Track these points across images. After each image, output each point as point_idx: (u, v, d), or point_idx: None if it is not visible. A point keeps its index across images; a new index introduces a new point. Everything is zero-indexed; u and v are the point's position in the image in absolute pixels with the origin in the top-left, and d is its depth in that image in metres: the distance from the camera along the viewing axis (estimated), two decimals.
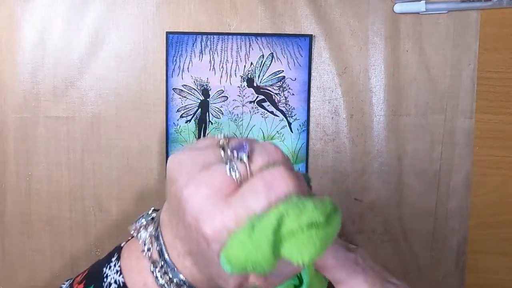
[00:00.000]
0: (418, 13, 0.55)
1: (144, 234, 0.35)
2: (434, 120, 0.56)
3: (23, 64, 0.56)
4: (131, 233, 0.36)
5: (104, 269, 0.38)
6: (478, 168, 0.57)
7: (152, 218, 0.36)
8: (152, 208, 0.38)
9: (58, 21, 0.56)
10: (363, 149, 0.57)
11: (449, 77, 0.56)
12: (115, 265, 0.37)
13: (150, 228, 0.35)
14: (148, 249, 0.34)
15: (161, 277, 0.34)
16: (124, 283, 0.36)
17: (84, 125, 0.57)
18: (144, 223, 0.36)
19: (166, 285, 0.34)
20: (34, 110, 0.57)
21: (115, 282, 0.36)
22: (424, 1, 0.54)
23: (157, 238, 0.34)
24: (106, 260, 0.38)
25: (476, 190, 0.57)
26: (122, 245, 0.38)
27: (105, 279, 0.37)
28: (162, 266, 0.34)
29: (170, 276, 0.34)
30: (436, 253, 0.57)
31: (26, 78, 0.56)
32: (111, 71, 0.56)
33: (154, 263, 0.34)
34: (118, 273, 0.37)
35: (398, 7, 0.55)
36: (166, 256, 0.34)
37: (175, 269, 0.33)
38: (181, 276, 0.33)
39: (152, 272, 0.34)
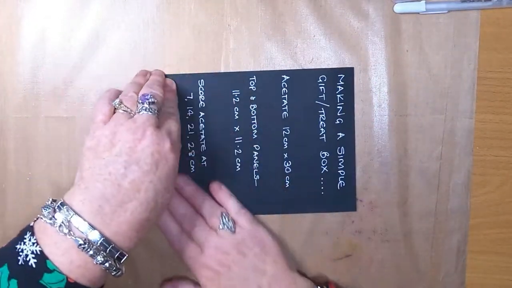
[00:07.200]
0: (418, 13, 0.55)
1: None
2: (434, 120, 0.56)
3: (23, 64, 0.56)
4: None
5: (18, 246, 0.42)
6: (478, 168, 0.57)
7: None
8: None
9: (58, 21, 0.56)
10: (363, 149, 0.57)
11: (449, 77, 0.56)
12: (30, 240, 0.42)
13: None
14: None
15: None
16: (41, 251, 0.41)
17: (84, 125, 0.57)
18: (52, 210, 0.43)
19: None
20: (34, 110, 0.57)
21: (32, 252, 0.41)
22: (424, 1, 0.54)
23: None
24: (18, 239, 0.42)
25: (476, 190, 0.57)
26: (31, 224, 0.43)
27: (20, 253, 0.41)
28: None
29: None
30: (436, 253, 0.57)
31: (26, 78, 0.56)
32: (111, 71, 0.56)
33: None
34: (35, 244, 0.41)
35: (398, 7, 0.55)
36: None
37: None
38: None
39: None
